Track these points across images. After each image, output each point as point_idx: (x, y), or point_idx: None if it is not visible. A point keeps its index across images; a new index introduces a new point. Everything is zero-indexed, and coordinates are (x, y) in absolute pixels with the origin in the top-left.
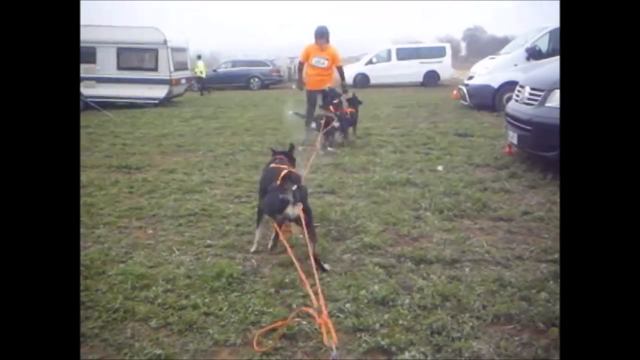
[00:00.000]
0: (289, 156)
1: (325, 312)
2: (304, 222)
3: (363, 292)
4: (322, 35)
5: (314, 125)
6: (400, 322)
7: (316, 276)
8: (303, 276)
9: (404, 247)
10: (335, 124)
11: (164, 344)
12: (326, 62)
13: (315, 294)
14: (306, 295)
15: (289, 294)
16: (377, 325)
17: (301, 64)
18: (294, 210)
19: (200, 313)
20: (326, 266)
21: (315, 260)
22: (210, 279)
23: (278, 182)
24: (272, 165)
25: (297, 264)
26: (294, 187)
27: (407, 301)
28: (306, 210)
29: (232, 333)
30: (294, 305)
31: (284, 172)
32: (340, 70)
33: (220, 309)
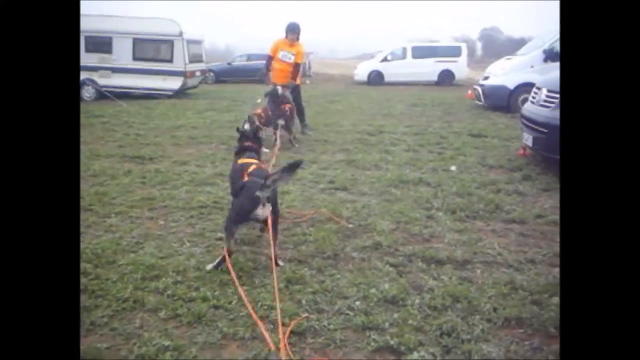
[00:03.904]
0: (257, 140)
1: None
2: (270, 223)
3: (373, 290)
4: (293, 31)
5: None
6: (410, 322)
7: (275, 289)
8: (247, 302)
9: (415, 247)
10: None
11: (172, 335)
12: (292, 58)
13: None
14: (316, 292)
15: (298, 290)
16: (387, 324)
17: (269, 58)
18: (264, 211)
19: (209, 306)
20: (280, 262)
21: (275, 260)
22: (220, 272)
23: (245, 179)
24: (241, 160)
25: (239, 287)
26: (263, 181)
27: (417, 301)
28: (274, 211)
29: (240, 327)
30: (304, 301)
31: (252, 167)
32: (297, 67)
33: (230, 303)
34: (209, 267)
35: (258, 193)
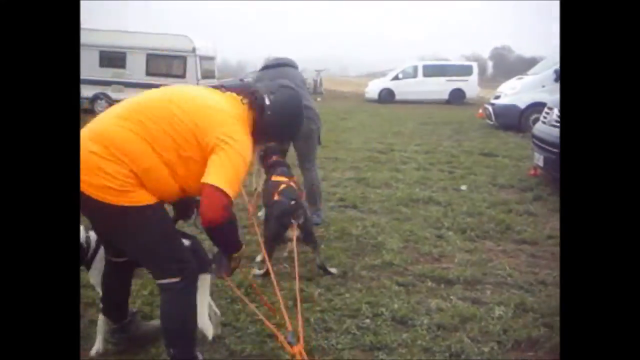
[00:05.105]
0: (283, 153)
1: (301, 341)
2: (304, 239)
3: (382, 309)
4: None
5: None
6: (419, 342)
7: (298, 302)
8: (281, 299)
9: (424, 266)
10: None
11: None
12: None
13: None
14: (324, 311)
15: (307, 308)
16: (395, 344)
17: None
18: (292, 232)
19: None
20: (333, 270)
21: (322, 268)
22: (228, 289)
23: (275, 198)
24: (274, 177)
25: (276, 286)
26: (292, 202)
27: (426, 321)
28: (306, 227)
29: (248, 344)
30: (312, 320)
31: (282, 186)
32: None
33: (238, 320)
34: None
35: (287, 216)
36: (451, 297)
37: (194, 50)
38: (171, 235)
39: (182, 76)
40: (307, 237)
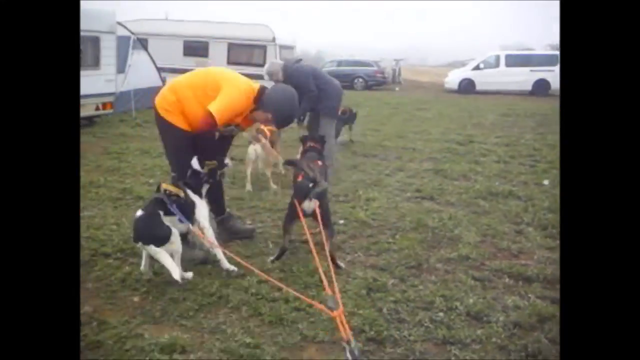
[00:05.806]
0: (320, 141)
1: (341, 306)
2: (319, 218)
3: (457, 303)
4: None
5: None
6: (494, 339)
7: (331, 268)
8: (319, 265)
9: (502, 262)
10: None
11: (254, 333)
12: None
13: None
14: (397, 301)
15: (380, 297)
16: (469, 340)
17: None
18: (310, 204)
19: (291, 307)
20: (340, 264)
21: (331, 257)
22: (304, 274)
23: (299, 179)
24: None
25: (315, 256)
26: (311, 185)
27: (502, 318)
28: (322, 206)
29: (321, 330)
30: (385, 310)
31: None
32: None
33: (311, 305)
34: (270, 259)
35: (305, 188)
36: (529, 295)
37: (274, 39)
38: (182, 156)
39: (262, 65)
40: (324, 218)
